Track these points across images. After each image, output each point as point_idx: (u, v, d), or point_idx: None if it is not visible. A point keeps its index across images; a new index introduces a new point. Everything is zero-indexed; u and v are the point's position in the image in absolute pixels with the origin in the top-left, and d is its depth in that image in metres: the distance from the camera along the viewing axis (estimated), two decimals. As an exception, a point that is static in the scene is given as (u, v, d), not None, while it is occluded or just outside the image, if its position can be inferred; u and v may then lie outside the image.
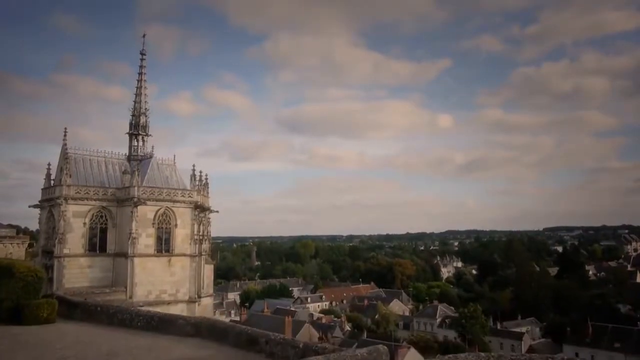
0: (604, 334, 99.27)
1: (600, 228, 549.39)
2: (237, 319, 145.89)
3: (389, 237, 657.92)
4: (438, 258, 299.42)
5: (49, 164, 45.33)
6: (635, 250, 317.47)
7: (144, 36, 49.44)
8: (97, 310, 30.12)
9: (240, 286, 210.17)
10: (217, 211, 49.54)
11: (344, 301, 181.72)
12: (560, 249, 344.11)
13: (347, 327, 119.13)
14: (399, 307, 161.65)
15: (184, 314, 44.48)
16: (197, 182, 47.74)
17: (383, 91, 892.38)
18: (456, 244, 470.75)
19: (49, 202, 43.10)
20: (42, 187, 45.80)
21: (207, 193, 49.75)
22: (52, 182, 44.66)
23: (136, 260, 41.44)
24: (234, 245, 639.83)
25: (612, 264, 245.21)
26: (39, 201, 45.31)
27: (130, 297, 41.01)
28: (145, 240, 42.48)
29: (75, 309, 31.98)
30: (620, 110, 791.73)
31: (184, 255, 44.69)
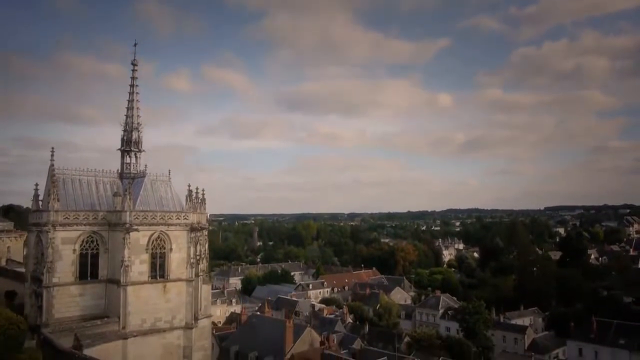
0: (608, 330, 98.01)
1: (601, 207, 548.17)
2: (239, 308, 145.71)
3: (390, 216, 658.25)
4: (440, 240, 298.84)
5: (36, 185, 43.16)
6: (637, 232, 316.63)
7: (135, 45, 46.70)
8: (85, 364, 28.28)
9: (242, 271, 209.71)
10: (211, 228, 47.33)
11: (346, 287, 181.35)
12: (562, 230, 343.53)
13: (349, 319, 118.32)
14: (400, 295, 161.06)
15: (180, 340, 43.03)
16: (194, 200, 45.62)
17: (382, 70, 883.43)
18: (458, 223, 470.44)
19: (37, 227, 41.05)
20: (31, 209, 43.74)
21: (204, 209, 47.59)
22: (40, 203, 42.52)
23: (129, 289, 39.58)
24: (236, 223, 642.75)
25: (615, 247, 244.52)
26: (27, 224, 43.23)
27: (124, 328, 39.29)
28: (139, 267, 40.56)
29: (62, 357, 30.23)
30: (621, 90, 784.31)
31: (180, 280, 42.87)
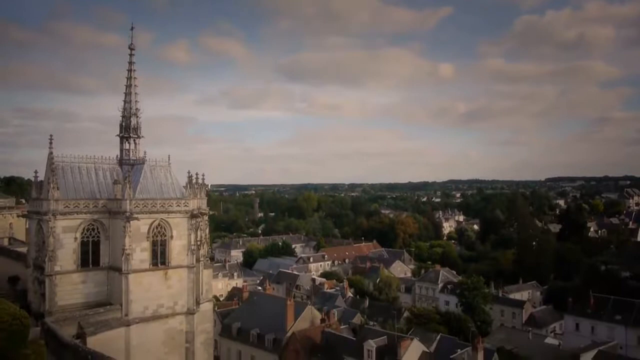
0: (605, 306, 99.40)
1: (602, 179, 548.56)
2: (240, 281, 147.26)
3: (391, 187, 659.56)
4: (440, 212, 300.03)
5: (36, 172, 43.01)
6: (637, 204, 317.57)
7: (132, 29, 45.75)
8: (89, 358, 28.76)
9: (243, 243, 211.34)
10: (213, 213, 47.38)
11: (347, 260, 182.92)
12: (562, 202, 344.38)
13: (350, 294, 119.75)
14: (400, 268, 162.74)
15: (183, 325, 43.60)
16: (194, 185, 45.55)
17: (383, 39, 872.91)
18: (458, 195, 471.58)
19: (37, 215, 41.11)
20: (31, 197, 43.75)
21: (204, 194, 47.58)
22: (40, 191, 42.47)
23: (131, 277, 39.89)
24: (237, 194, 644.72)
25: (614, 220, 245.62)
26: (27, 211, 43.31)
27: (126, 315, 39.76)
28: (140, 254, 40.76)
29: (65, 351, 30.67)
30: (625, 60, 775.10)
31: (181, 266, 43.14)
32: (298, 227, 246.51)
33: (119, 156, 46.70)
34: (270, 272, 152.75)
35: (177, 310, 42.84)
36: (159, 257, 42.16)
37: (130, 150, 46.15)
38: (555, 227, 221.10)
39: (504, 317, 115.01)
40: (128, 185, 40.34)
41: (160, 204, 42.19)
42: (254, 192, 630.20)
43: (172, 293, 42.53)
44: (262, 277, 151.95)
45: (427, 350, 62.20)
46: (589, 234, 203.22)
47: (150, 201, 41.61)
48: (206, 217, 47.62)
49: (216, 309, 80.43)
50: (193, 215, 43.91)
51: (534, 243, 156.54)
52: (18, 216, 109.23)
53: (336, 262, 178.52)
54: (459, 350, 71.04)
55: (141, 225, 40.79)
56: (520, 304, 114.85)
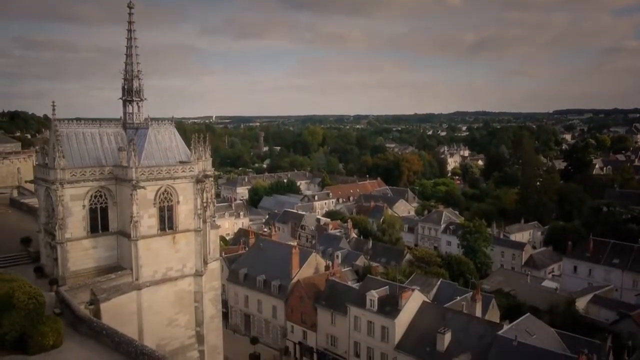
0: (604, 249, 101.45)
1: (611, 111, 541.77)
2: (246, 221, 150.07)
3: (396, 118, 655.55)
4: (445, 147, 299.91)
5: (42, 139, 43.02)
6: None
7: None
8: (103, 333, 30.17)
9: (249, 180, 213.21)
10: (217, 174, 47.70)
11: (351, 198, 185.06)
12: (569, 137, 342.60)
13: (354, 234, 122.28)
14: (404, 207, 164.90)
15: (191, 286, 45.20)
16: (198, 148, 45.67)
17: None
18: (464, 128, 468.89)
19: (45, 183, 41.61)
20: (37, 163, 44.08)
21: (209, 155, 47.78)
22: (46, 158, 42.73)
23: (140, 243, 40.91)
24: (241, 125, 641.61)
25: (620, 156, 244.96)
26: (35, 178, 43.78)
27: (137, 279, 41.17)
28: (148, 221, 41.57)
29: (81, 324, 32.11)
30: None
31: (188, 230, 44.10)
32: (303, 164, 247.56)
33: (122, 119, 46.50)
34: (276, 211, 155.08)
35: (186, 272, 44.25)
36: (167, 222, 43.00)
37: (134, 114, 45.85)
38: (560, 164, 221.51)
39: (504, 259, 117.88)
40: (133, 153, 40.47)
41: (166, 171, 42.51)
42: (258, 124, 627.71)
43: (180, 256, 43.77)
44: (267, 216, 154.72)
45: (428, 300, 64.36)
46: (594, 172, 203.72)
47: (155, 168, 41.89)
48: (211, 179, 48.06)
49: (223, 254, 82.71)
50: (198, 180, 44.33)
51: (537, 183, 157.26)
52: (25, 160, 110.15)
53: (341, 200, 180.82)
54: (458, 297, 73.58)
55: (148, 192, 41.31)
56: (520, 246, 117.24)
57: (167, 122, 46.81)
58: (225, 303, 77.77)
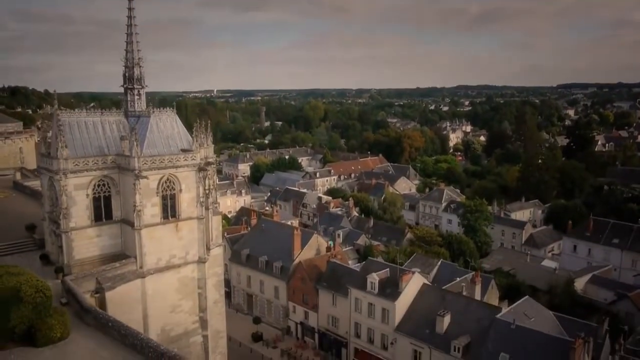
0: (604, 229, 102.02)
1: (615, 86, 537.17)
2: (248, 198, 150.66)
3: (399, 93, 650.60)
4: (447, 123, 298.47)
5: (45, 129, 43.10)
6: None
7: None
8: (109, 325, 30.82)
9: (251, 157, 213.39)
10: (218, 162, 47.87)
11: (352, 175, 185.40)
12: (572, 112, 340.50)
13: (355, 213, 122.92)
14: (405, 184, 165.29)
15: (195, 273, 45.87)
16: (200, 135, 45.72)
17: None
18: (467, 103, 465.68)
19: (48, 172, 41.88)
20: (40, 152, 44.27)
21: (210, 141, 47.85)
22: (49, 147, 42.87)
23: (143, 231, 41.38)
24: (243, 99, 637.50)
25: (623, 132, 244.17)
26: (38, 167, 44.01)
27: (141, 267, 41.78)
28: (151, 210, 41.97)
29: (87, 315, 32.77)
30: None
31: (191, 218, 44.54)
32: (305, 140, 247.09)
33: (124, 107, 46.49)
34: (277, 188, 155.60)
35: (189, 259, 44.87)
36: (169, 210, 43.41)
37: (135, 101, 45.80)
38: (563, 140, 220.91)
39: (504, 237, 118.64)
40: (135, 143, 40.61)
41: (168, 160, 42.70)
42: (260, 98, 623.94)
43: (183, 244, 44.33)
44: (269, 194, 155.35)
45: (428, 283, 65.16)
46: (596, 148, 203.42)
47: (158, 157, 42.07)
48: (213, 166, 48.23)
49: (226, 234, 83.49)
50: (200, 169, 44.56)
51: (539, 160, 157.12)
52: (27, 140, 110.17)
53: (342, 177, 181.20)
54: (457, 278, 74.49)
55: (150, 181, 41.61)
56: (520, 225, 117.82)
57: (168, 109, 46.84)
58: (227, 282, 78.90)
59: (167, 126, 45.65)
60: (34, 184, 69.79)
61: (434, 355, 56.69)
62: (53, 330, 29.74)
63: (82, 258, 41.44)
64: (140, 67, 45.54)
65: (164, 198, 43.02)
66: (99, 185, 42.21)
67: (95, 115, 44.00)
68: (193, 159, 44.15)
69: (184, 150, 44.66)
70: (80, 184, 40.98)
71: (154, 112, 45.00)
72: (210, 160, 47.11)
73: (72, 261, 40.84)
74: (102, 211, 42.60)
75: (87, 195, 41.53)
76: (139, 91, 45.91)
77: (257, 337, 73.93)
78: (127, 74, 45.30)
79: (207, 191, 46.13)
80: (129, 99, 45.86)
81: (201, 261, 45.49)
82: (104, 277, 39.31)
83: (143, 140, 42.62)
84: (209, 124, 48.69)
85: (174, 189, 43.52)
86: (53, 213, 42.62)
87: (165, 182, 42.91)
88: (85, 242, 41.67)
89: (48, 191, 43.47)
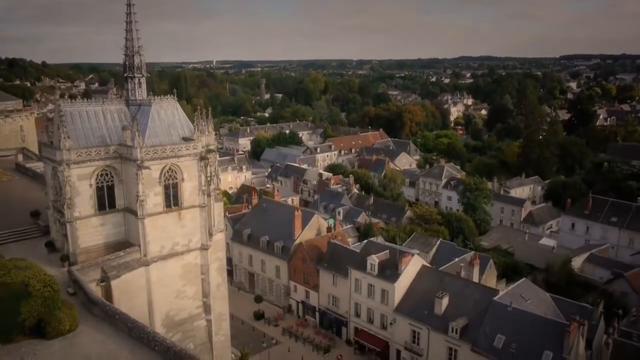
0: (602, 207, 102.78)
1: (619, 57, 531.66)
2: (249, 174, 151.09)
3: (400, 64, 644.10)
4: (448, 96, 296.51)
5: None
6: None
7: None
8: (116, 317, 31.66)
9: (251, 131, 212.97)
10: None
11: (353, 150, 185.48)
12: (574, 85, 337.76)
13: (355, 190, 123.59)
14: (406, 159, 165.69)
15: (197, 260, 46.65)
16: (201, 122, 45.88)
17: None
18: (468, 75, 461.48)
19: (52, 162, 42.23)
20: (43, 142, 44.52)
21: (211, 128, 48.06)
22: (52, 137, 43.07)
23: (146, 220, 41.92)
24: (242, 71, 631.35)
25: (625, 106, 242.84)
26: (42, 156, 44.32)
27: (145, 256, 42.50)
28: (153, 199, 42.42)
29: (94, 306, 33.62)
30: None
31: (193, 206, 45.04)
32: (305, 114, 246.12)
33: (125, 96, 46.52)
34: (278, 164, 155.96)
35: (192, 246, 45.57)
36: (172, 199, 43.87)
37: (136, 90, 45.80)
38: (564, 114, 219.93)
39: (503, 215, 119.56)
40: (137, 133, 40.82)
41: (170, 149, 42.94)
42: (259, 69, 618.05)
43: (186, 232, 44.95)
44: (269, 169, 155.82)
45: (427, 264, 66.17)
46: (598, 122, 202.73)
47: (160, 148, 42.31)
48: (214, 153, 48.51)
49: (227, 214, 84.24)
50: (202, 157, 44.85)
51: (540, 136, 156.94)
52: (27, 118, 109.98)
53: (342, 152, 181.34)
54: (456, 258, 75.55)
55: (152, 171, 41.94)
56: (520, 202, 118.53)
57: (169, 97, 46.82)
58: (229, 261, 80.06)
59: (168, 114, 45.72)
60: (36, 165, 70.15)
61: (432, 336, 58.09)
62: (62, 323, 30.60)
63: (87, 246, 42.14)
64: (140, 55, 45.37)
65: (166, 187, 43.44)
66: (102, 175, 42.61)
67: (96, 104, 44.08)
68: (195, 147, 44.38)
69: (185, 139, 44.85)
70: (83, 174, 41.37)
71: (154, 100, 45.02)
72: (212, 147, 47.37)
73: (77, 249, 41.55)
74: (105, 200, 43.09)
75: (91, 185, 41.97)
76: (139, 79, 45.85)
77: (259, 316, 75.51)
78: (127, 62, 45.16)
79: (208, 179, 46.51)
80: (129, 87, 45.82)
81: (204, 248, 46.19)
82: (109, 266, 40.07)
83: (145, 129, 42.81)
84: (209, 112, 48.87)
85: (176, 178, 43.91)
86: (57, 202, 43.14)
87: (168, 172, 43.27)
88: (90, 230, 42.31)
89: (52, 180, 43.89)
